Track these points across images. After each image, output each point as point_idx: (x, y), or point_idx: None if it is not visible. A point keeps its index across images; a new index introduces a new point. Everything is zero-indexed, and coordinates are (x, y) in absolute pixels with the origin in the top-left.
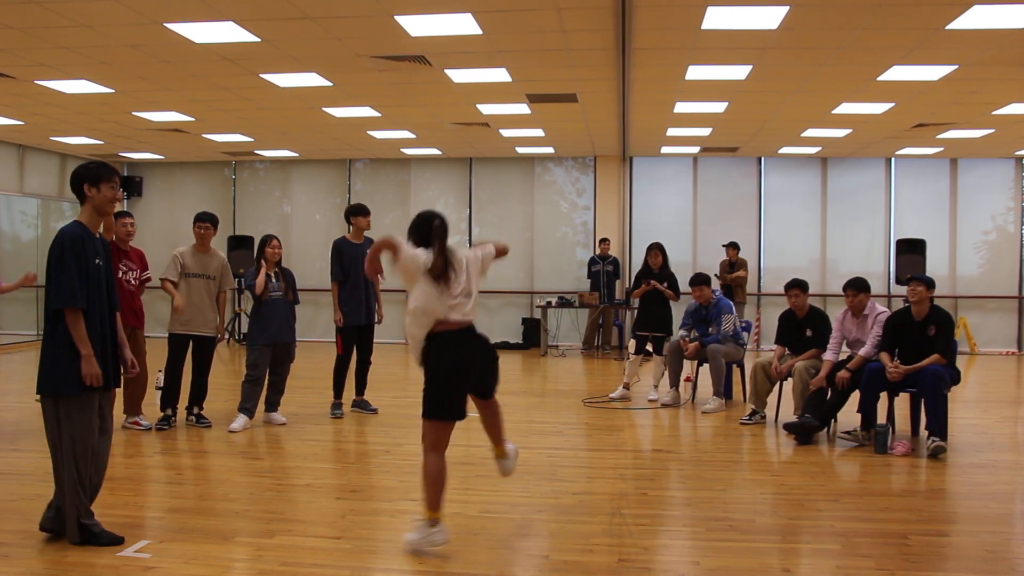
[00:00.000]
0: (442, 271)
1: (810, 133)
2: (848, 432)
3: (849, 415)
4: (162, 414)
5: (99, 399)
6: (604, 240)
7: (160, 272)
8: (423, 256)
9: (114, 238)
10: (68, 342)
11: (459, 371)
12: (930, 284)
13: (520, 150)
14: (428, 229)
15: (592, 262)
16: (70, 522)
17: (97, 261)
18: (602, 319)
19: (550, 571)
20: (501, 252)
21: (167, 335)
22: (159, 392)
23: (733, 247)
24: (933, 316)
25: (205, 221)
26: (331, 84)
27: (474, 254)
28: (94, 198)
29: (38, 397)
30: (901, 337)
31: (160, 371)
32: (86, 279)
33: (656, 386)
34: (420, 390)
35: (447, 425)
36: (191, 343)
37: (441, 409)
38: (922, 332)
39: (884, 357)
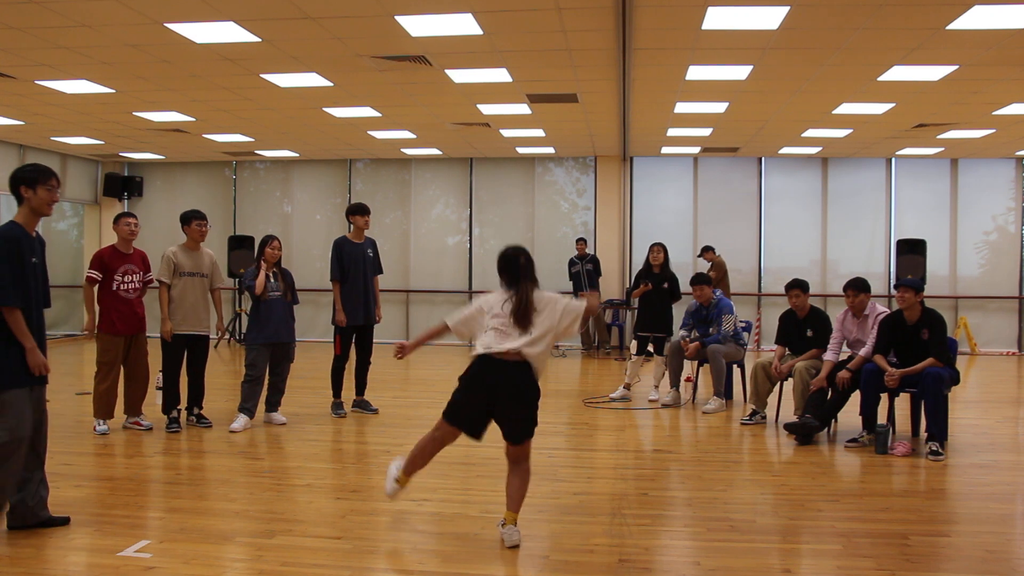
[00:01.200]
0: (522, 312)
1: (810, 133)
2: (853, 440)
3: (850, 416)
4: (167, 417)
5: (36, 392)
6: (580, 240)
7: (159, 271)
8: (491, 300)
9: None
10: (3, 337)
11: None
12: (918, 288)
13: (521, 150)
14: (516, 267)
15: (571, 263)
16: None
17: (33, 260)
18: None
19: (550, 571)
20: (591, 311)
21: (160, 336)
22: (160, 392)
23: (710, 250)
24: (925, 319)
25: (204, 218)
26: (331, 84)
27: (559, 305)
28: (31, 200)
29: None
30: (896, 340)
31: (160, 371)
32: (23, 278)
33: (657, 386)
34: (420, 390)
35: (443, 423)
36: (187, 343)
37: (448, 408)
38: (916, 335)
39: (879, 360)
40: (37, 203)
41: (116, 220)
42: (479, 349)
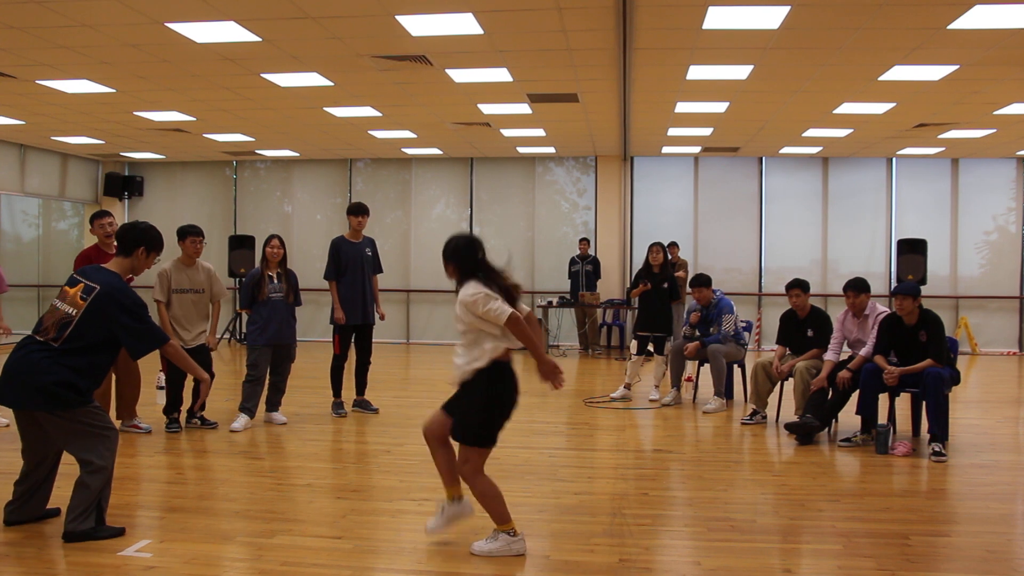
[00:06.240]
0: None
1: (811, 133)
2: (847, 439)
3: (850, 416)
4: (167, 418)
5: None
6: (583, 239)
7: (153, 290)
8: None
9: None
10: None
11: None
12: (915, 294)
13: (521, 150)
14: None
15: (572, 262)
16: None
17: None
18: (587, 318)
19: (551, 571)
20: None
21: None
22: (160, 392)
23: (674, 246)
24: (923, 321)
25: (199, 235)
26: (332, 84)
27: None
28: (136, 261)
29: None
30: (895, 341)
31: (160, 371)
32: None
33: (657, 386)
34: (420, 390)
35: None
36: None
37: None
38: (914, 337)
39: (879, 360)
40: (138, 265)
41: (91, 221)
42: (497, 354)
